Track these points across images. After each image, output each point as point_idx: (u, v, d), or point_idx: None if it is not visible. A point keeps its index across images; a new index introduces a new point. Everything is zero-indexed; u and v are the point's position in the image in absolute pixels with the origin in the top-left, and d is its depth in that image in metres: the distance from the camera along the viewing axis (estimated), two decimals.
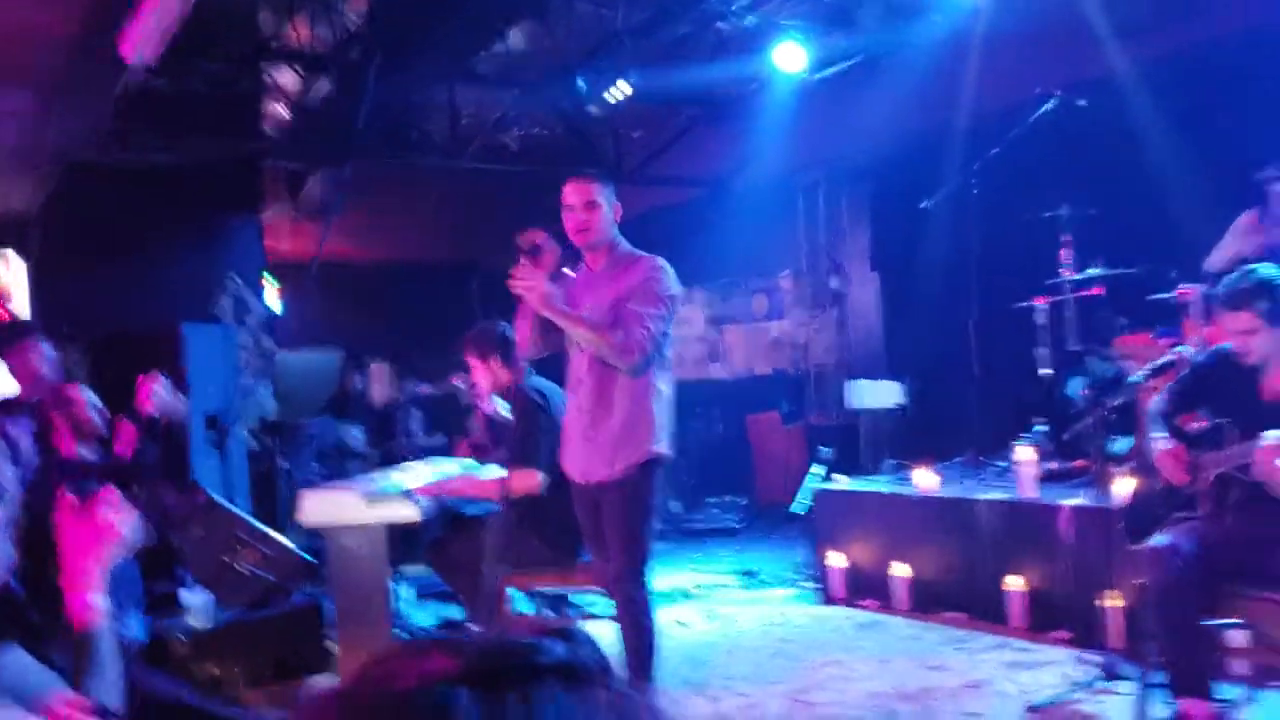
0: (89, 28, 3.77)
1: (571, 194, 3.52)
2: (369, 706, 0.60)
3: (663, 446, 3.54)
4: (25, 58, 4.11)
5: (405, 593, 5.66)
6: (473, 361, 4.72)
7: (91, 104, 4.76)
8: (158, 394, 4.43)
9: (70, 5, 3.63)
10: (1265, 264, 3.38)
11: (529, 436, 4.39)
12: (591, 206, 3.50)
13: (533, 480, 4.34)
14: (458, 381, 5.81)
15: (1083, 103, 5.63)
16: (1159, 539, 3.28)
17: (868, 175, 8.98)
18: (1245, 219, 5.14)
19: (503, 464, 4.44)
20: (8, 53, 4.09)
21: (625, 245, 3.64)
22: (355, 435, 7.84)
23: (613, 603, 3.69)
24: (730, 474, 9.27)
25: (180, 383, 4.93)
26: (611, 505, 3.55)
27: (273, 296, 8.55)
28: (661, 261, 3.58)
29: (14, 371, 4.97)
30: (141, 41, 3.75)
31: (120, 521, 1.95)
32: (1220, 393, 3.39)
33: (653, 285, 3.48)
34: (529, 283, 3.34)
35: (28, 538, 2.20)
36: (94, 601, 1.88)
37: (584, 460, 3.63)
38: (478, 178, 8.68)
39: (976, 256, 5.97)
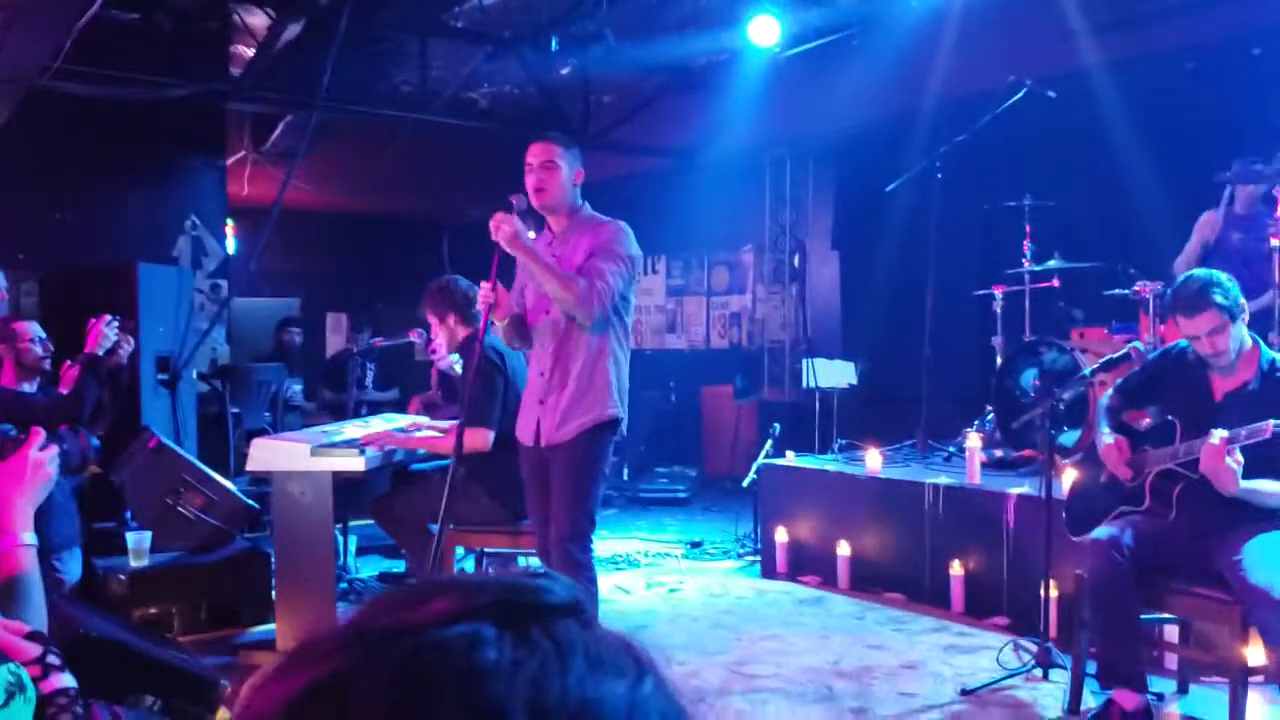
0: None
1: (532, 154, 3.55)
2: (390, 641, 0.58)
3: (616, 411, 3.57)
4: None
5: (348, 545, 5.66)
6: (431, 317, 4.70)
7: (53, 28, 4.62)
8: (105, 335, 4.39)
9: None
10: (1199, 269, 3.47)
11: (483, 394, 4.37)
12: (549, 167, 3.52)
13: (482, 438, 4.33)
14: (414, 336, 5.76)
15: (1052, 94, 5.67)
16: (1100, 532, 3.36)
17: (834, 154, 9.02)
18: (1206, 219, 5.25)
19: (454, 419, 4.44)
20: None
21: (588, 210, 3.67)
22: (295, 390, 7.80)
23: (547, 566, 3.70)
24: (681, 444, 9.32)
25: (133, 322, 4.86)
26: (561, 467, 3.56)
27: (231, 241, 8.42)
28: (623, 225, 3.61)
29: None
30: None
31: (47, 460, 1.99)
32: (1171, 390, 3.46)
33: (615, 245, 3.53)
34: (500, 220, 3.38)
35: None
36: (25, 540, 1.91)
37: (537, 423, 3.64)
38: (445, 132, 8.57)
39: (936, 241, 6.02)
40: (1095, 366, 3.81)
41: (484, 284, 3.51)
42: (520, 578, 0.63)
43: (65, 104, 6.33)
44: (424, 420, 5.32)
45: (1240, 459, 3.03)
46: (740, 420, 8.70)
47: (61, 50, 5.02)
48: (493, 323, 3.65)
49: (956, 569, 4.84)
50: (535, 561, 4.77)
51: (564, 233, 3.63)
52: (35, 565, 1.92)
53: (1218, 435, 3.02)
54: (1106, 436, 3.49)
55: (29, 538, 1.92)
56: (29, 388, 4.41)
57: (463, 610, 0.59)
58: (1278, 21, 5.78)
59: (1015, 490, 4.74)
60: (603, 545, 6.32)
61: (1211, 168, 5.19)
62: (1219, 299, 3.16)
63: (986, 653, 4.26)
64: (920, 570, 5.06)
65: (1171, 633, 3.70)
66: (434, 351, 4.99)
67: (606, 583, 5.49)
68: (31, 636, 1.65)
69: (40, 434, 2.02)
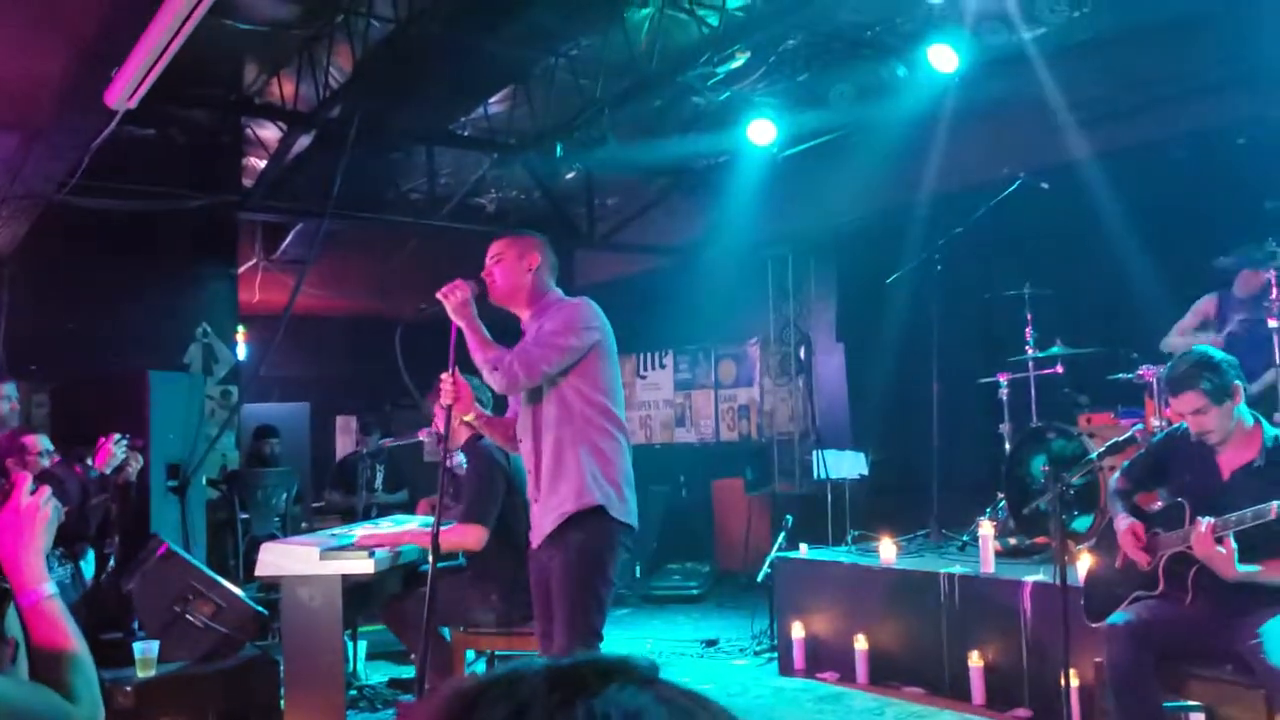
0: (76, 73, 3.80)
1: (487, 253, 3.51)
2: None
3: (596, 498, 3.29)
4: (14, 102, 4.13)
5: (358, 651, 5.59)
6: (437, 412, 4.71)
7: (72, 147, 4.77)
8: (113, 454, 4.45)
9: (59, 51, 3.66)
10: (1201, 345, 3.48)
11: (480, 492, 4.36)
12: (495, 259, 3.46)
13: (474, 535, 4.27)
14: (423, 436, 5.78)
15: (1045, 186, 5.79)
16: (1117, 617, 3.31)
17: (835, 248, 9.15)
18: (1205, 303, 5.29)
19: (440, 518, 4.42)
20: (2, 98, 4.11)
21: (555, 295, 3.52)
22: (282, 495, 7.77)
23: None
24: (693, 539, 9.25)
25: (141, 440, 4.90)
26: (556, 572, 3.34)
27: (242, 347, 8.52)
28: (578, 301, 3.46)
29: None
30: (126, 88, 3.78)
31: (41, 502, 1.91)
32: (1178, 471, 3.45)
33: (555, 321, 3.37)
34: (454, 285, 3.33)
35: None
36: (46, 592, 1.87)
37: (534, 523, 3.47)
38: (452, 236, 8.74)
39: (939, 331, 6.07)
40: (1101, 450, 3.80)
41: (444, 376, 3.39)
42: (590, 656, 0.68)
43: (80, 216, 6.48)
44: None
45: (1232, 545, 3.02)
46: (752, 513, 8.64)
47: (79, 167, 5.17)
48: (460, 419, 3.53)
49: (975, 660, 4.77)
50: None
51: (528, 322, 3.50)
52: (68, 618, 1.87)
53: (1204, 523, 3.02)
54: (1122, 521, 3.47)
55: (49, 588, 1.86)
56: None
57: (606, 678, 0.63)
58: (1260, 112, 5.94)
59: (1030, 578, 4.69)
60: (616, 646, 6.26)
61: (1203, 252, 5.27)
62: (1204, 383, 3.18)
63: None
64: (939, 662, 4.97)
65: (1195, 719, 3.62)
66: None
67: None
68: None
69: (26, 478, 1.95)
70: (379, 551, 4.27)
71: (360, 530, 4.92)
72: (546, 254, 3.53)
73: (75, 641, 1.88)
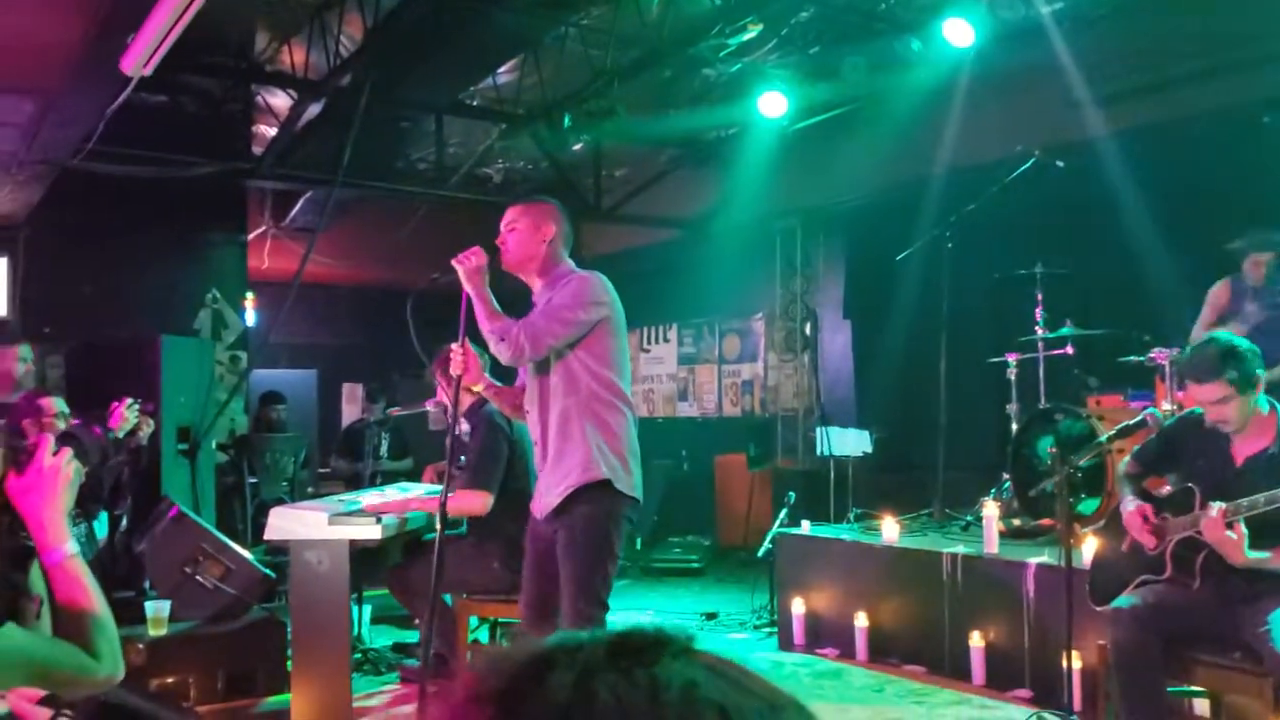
0: (93, 40, 3.79)
1: (502, 220, 3.52)
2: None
3: (603, 472, 3.31)
4: (31, 68, 4.12)
5: (363, 616, 5.63)
6: (440, 380, 4.73)
7: (86, 114, 4.76)
8: (126, 417, 4.48)
9: (76, 18, 3.65)
10: (1223, 331, 3.46)
11: (483, 458, 4.38)
12: (509, 227, 3.46)
13: (479, 501, 4.30)
14: (430, 405, 5.80)
15: (1061, 164, 5.74)
16: (1122, 601, 3.32)
17: (844, 224, 9.12)
18: (1218, 289, 5.27)
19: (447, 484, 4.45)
20: (16, 64, 4.10)
21: (567, 266, 3.51)
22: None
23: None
24: (694, 513, 9.28)
25: (153, 404, 4.93)
26: (559, 540, 3.38)
27: (251, 313, 8.52)
28: (587, 274, 3.45)
29: None
30: (142, 54, 3.77)
31: (63, 463, 1.94)
32: (1190, 457, 3.45)
33: (563, 294, 3.37)
34: (469, 252, 3.33)
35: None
36: (68, 551, 1.90)
37: (539, 493, 3.50)
38: (460, 206, 8.72)
39: (948, 309, 6.06)
40: (1112, 433, 3.80)
41: (453, 347, 3.40)
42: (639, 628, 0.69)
43: (93, 182, 6.48)
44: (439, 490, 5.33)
45: (1243, 530, 3.03)
46: (754, 489, 8.67)
47: (94, 133, 5.17)
48: (467, 388, 3.53)
49: (976, 640, 4.79)
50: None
51: (539, 294, 3.50)
52: (89, 576, 1.90)
53: (1215, 508, 3.02)
54: (1129, 503, 3.48)
55: (72, 547, 1.89)
56: None
57: (657, 649, 0.65)
58: None
59: (1034, 559, 4.71)
60: (616, 618, 6.30)
61: (1222, 234, 5.24)
62: (1229, 373, 3.15)
63: None
64: (940, 641, 5.00)
65: (1202, 706, 3.64)
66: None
67: None
68: (45, 701, 1.67)
69: (48, 439, 1.98)
70: (386, 517, 4.30)
71: (366, 496, 4.95)
72: (562, 224, 3.51)
73: (97, 600, 1.91)
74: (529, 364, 3.45)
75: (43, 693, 1.69)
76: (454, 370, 3.44)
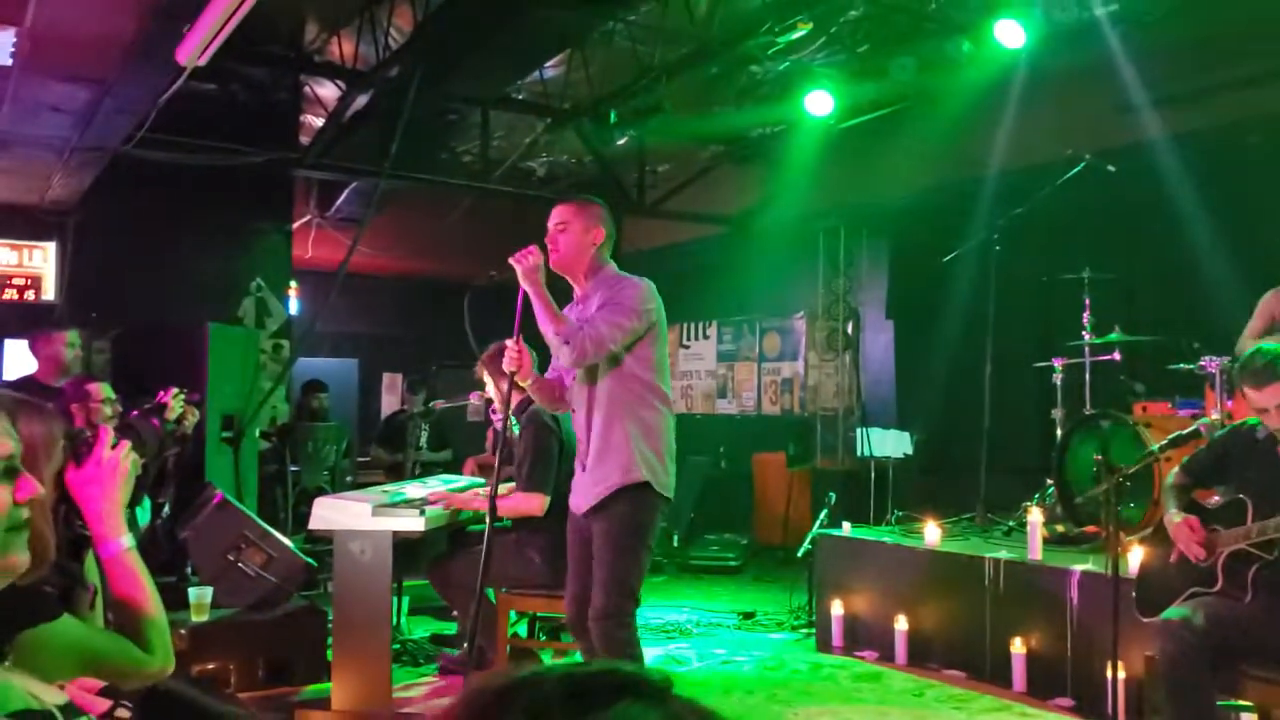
0: (149, 30, 3.83)
1: (550, 216, 3.56)
2: None
3: (643, 474, 3.42)
4: (88, 58, 4.18)
5: (401, 606, 5.67)
6: (487, 377, 4.77)
7: (140, 102, 4.83)
8: (171, 407, 4.53)
9: (134, 8, 3.69)
10: (1271, 343, 3.40)
11: (537, 458, 4.41)
12: (560, 228, 3.51)
13: (537, 503, 4.37)
14: (474, 398, 5.83)
15: (1112, 168, 5.66)
16: (1171, 613, 3.27)
17: (889, 224, 9.05)
18: (1270, 298, 5.15)
19: (509, 482, 4.48)
20: (74, 54, 4.16)
21: (612, 270, 3.59)
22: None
23: (578, 640, 3.66)
24: (731, 511, 9.26)
25: (199, 394, 5.00)
26: (597, 536, 3.49)
27: (294, 302, 8.60)
28: (640, 280, 3.52)
29: (39, 356, 5.06)
30: (198, 45, 3.81)
31: (122, 456, 1.95)
32: (1241, 469, 3.39)
33: (620, 296, 3.44)
34: (526, 251, 3.37)
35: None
36: (125, 544, 1.92)
37: (579, 489, 3.59)
38: (504, 200, 8.75)
39: (994, 312, 6.00)
40: (1164, 443, 3.74)
41: (509, 344, 3.46)
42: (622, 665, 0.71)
43: (142, 169, 6.56)
44: (480, 482, 5.37)
45: None
46: (793, 488, 8.64)
47: (147, 120, 5.23)
48: (518, 385, 3.60)
49: (1018, 647, 4.75)
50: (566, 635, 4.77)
51: (585, 294, 3.58)
52: (144, 570, 1.91)
53: None
54: (1175, 515, 3.43)
55: (128, 541, 1.91)
56: None
57: (617, 692, 0.65)
58: None
59: (1079, 567, 4.65)
60: (653, 613, 6.30)
61: (1275, 241, 5.14)
62: None
63: None
64: (981, 647, 4.95)
65: None
66: (495, 412, 5.04)
67: (658, 652, 5.46)
68: (104, 691, 1.69)
69: (108, 431, 1.99)
70: (431, 509, 4.33)
71: (411, 487, 4.99)
72: (608, 227, 3.59)
73: (150, 593, 1.93)
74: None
75: (102, 683, 1.71)
76: (508, 367, 3.49)
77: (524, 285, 3.39)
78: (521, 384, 3.61)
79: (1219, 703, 3.22)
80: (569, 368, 3.49)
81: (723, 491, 9.48)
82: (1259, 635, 3.15)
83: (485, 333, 3.95)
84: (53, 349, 5.03)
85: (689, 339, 11.05)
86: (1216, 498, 3.54)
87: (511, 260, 3.38)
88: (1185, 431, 3.63)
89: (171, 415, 4.55)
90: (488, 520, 3.45)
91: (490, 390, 4.82)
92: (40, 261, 7.12)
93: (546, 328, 3.40)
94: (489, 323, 3.95)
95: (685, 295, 9.27)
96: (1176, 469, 3.62)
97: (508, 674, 0.70)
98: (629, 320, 3.40)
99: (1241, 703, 3.36)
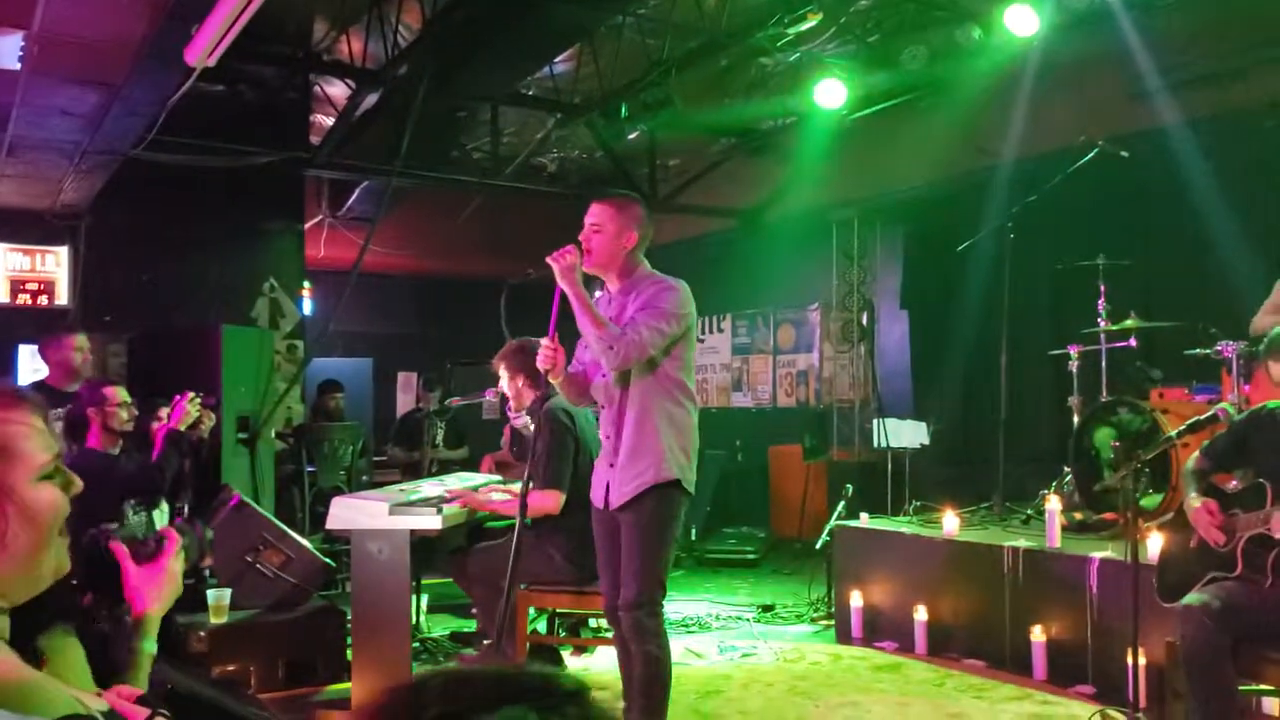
0: (158, 31, 3.84)
1: (587, 214, 3.57)
2: None
3: (671, 473, 3.49)
4: (97, 61, 4.19)
5: (420, 604, 5.68)
6: (504, 373, 4.77)
7: (149, 104, 4.84)
8: (188, 411, 4.57)
9: (142, 9, 3.70)
10: None
11: (553, 456, 4.41)
12: (595, 229, 3.51)
13: (553, 500, 4.37)
14: (489, 395, 5.83)
15: (1125, 154, 5.62)
16: (1192, 598, 3.25)
17: (902, 214, 9.01)
18: None
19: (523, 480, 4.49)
20: (83, 56, 4.18)
21: (645, 269, 3.62)
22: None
23: (615, 630, 3.68)
24: (748, 504, 9.25)
25: (214, 398, 5.02)
26: (628, 531, 3.54)
27: (308, 303, 8.62)
28: (677, 283, 3.55)
29: (49, 362, 5.08)
30: (206, 45, 3.82)
31: (179, 570, 1.94)
32: (1260, 452, 3.37)
33: (659, 300, 3.47)
34: (564, 250, 3.39)
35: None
36: (149, 649, 1.88)
37: (605, 484, 3.62)
38: (516, 195, 8.74)
39: (1009, 300, 5.96)
40: (1182, 428, 3.72)
41: (545, 342, 3.48)
42: (540, 668, 0.72)
43: (153, 171, 6.58)
44: (497, 479, 5.37)
45: None
46: (809, 480, 8.62)
47: (156, 123, 5.24)
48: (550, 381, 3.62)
49: (1038, 635, 4.73)
50: (604, 624, 4.77)
51: (619, 293, 3.60)
52: (140, 678, 1.86)
53: None
54: (1195, 500, 3.41)
55: (151, 647, 1.88)
56: (111, 449, 4.55)
57: (503, 698, 0.65)
58: None
59: (1098, 554, 4.63)
60: (672, 607, 6.29)
61: None
62: None
63: None
64: (1000, 636, 4.94)
65: (1272, 705, 3.56)
66: (511, 409, 5.04)
67: (678, 646, 5.44)
68: (141, 700, 1.69)
69: (176, 537, 1.97)
70: (448, 508, 4.34)
71: (428, 485, 4.99)
72: (643, 229, 3.58)
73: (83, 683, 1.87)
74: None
75: (139, 690, 1.71)
76: (543, 365, 3.50)
77: (561, 284, 3.40)
78: (554, 380, 3.61)
79: (1240, 687, 3.19)
80: (613, 370, 3.49)
81: (740, 485, 9.47)
82: (1279, 619, 3.12)
83: (488, 329, 3.99)
84: (62, 354, 5.05)
85: (704, 333, 11.04)
86: (1235, 482, 3.52)
87: (549, 259, 3.40)
88: (1203, 417, 3.60)
89: (187, 420, 4.59)
90: (518, 520, 3.49)
91: (504, 384, 4.82)
92: (53, 266, 7.15)
93: (588, 330, 3.43)
94: (516, 318, 3.99)
95: (699, 289, 9.04)
96: (1196, 453, 3.60)
97: (416, 676, 0.73)
98: (669, 325, 3.45)
99: (1263, 687, 3.33)
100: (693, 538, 8.46)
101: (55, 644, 1.72)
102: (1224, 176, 6.06)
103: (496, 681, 0.69)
